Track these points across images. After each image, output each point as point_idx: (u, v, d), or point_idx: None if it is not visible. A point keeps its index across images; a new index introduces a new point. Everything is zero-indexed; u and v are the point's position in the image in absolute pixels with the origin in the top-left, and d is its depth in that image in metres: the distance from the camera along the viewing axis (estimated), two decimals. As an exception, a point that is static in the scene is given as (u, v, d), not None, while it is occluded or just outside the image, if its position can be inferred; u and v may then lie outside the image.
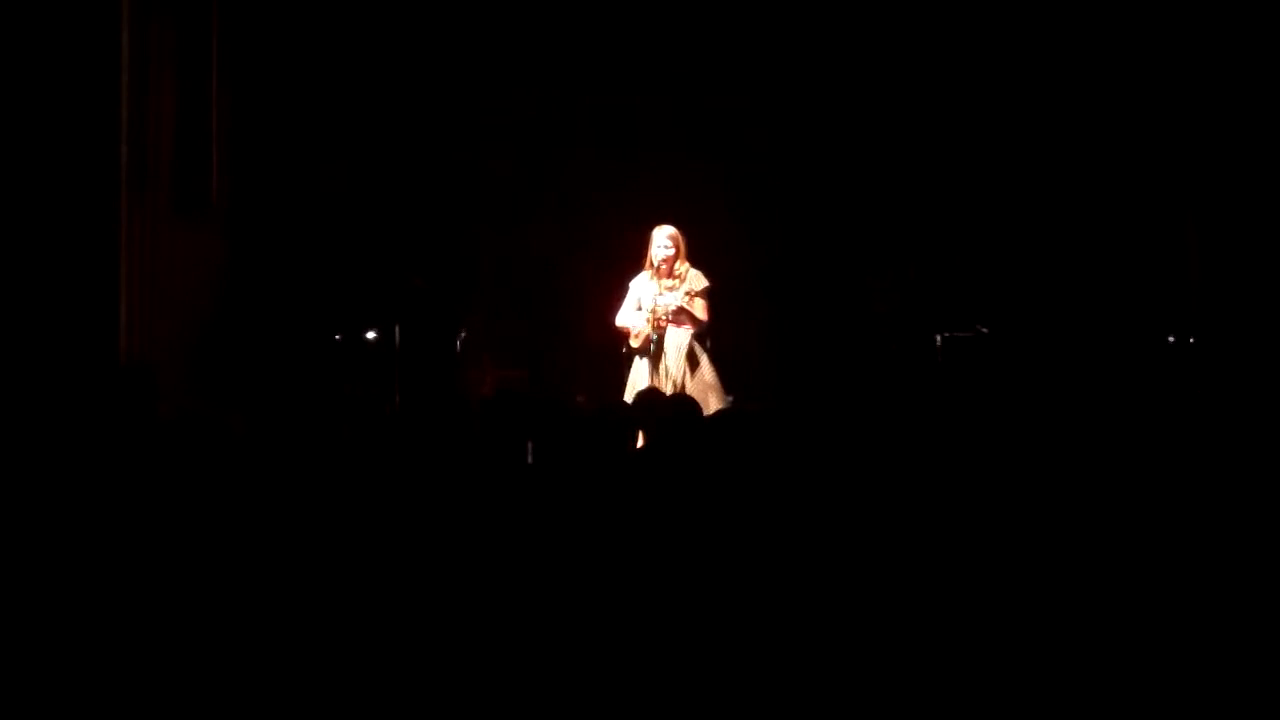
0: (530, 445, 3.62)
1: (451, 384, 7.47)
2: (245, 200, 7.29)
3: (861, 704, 2.49)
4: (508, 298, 8.23)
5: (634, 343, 6.38)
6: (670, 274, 6.36)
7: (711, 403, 6.05)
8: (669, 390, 6.06)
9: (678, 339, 6.32)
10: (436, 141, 8.13)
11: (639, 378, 6.33)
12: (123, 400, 4.85)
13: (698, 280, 6.37)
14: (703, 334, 6.37)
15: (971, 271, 7.86)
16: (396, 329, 7.18)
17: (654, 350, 6.29)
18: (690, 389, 6.15)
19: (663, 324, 6.29)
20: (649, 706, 2.48)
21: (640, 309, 6.37)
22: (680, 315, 6.31)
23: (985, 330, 7.31)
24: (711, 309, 6.37)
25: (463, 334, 7.54)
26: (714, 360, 6.39)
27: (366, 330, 7.32)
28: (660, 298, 6.33)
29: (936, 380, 7.32)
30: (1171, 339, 7.43)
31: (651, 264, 6.41)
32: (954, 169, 7.99)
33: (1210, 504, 3.07)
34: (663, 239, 6.39)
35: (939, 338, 7.36)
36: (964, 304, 7.55)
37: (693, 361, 6.32)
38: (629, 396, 6.21)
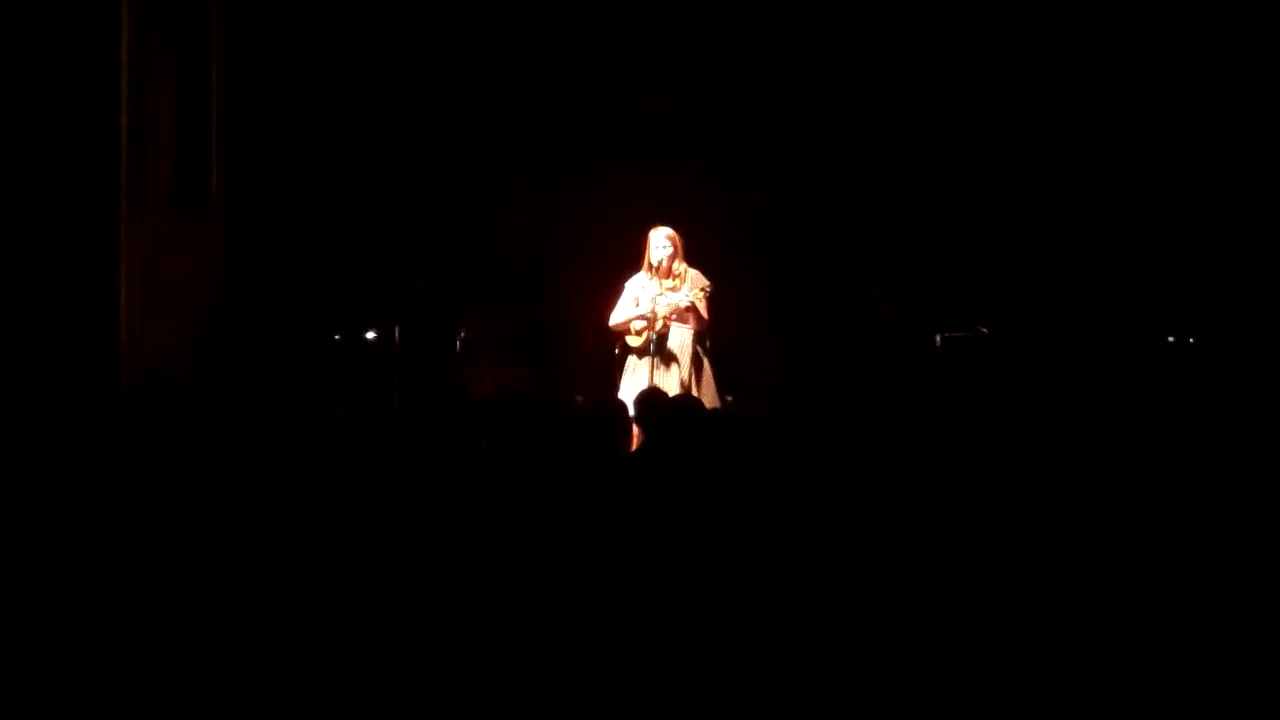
0: None
1: (451, 384, 7.46)
2: (245, 198, 7.28)
3: (863, 707, 2.49)
4: (508, 298, 8.22)
5: (632, 340, 6.36)
6: (669, 274, 6.36)
7: (709, 404, 6.03)
8: (674, 390, 6.04)
9: (680, 338, 6.30)
10: (436, 141, 8.12)
11: (637, 377, 6.30)
12: (125, 398, 4.85)
13: (699, 279, 6.36)
14: (703, 334, 6.37)
15: (971, 271, 7.86)
16: (396, 329, 7.18)
17: (655, 350, 6.28)
18: (694, 389, 6.15)
19: (666, 323, 6.28)
20: (645, 706, 2.48)
21: (637, 305, 6.36)
22: (686, 313, 6.29)
23: (985, 330, 7.31)
24: (712, 310, 6.37)
25: (463, 334, 7.54)
26: (713, 361, 6.39)
27: (366, 330, 7.32)
28: (661, 297, 6.32)
29: (936, 380, 7.32)
30: (1171, 339, 7.43)
31: (650, 264, 6.40)
32: (954, 170, 7.98)
33: (1210, 504, 3.07)
34: (661, 239, 6.38)
35: (939, 338, 7.36)
36: (964, 304, 7.55)
37: (696, 362, 6.31)
38: (625, 395, 6.19)
